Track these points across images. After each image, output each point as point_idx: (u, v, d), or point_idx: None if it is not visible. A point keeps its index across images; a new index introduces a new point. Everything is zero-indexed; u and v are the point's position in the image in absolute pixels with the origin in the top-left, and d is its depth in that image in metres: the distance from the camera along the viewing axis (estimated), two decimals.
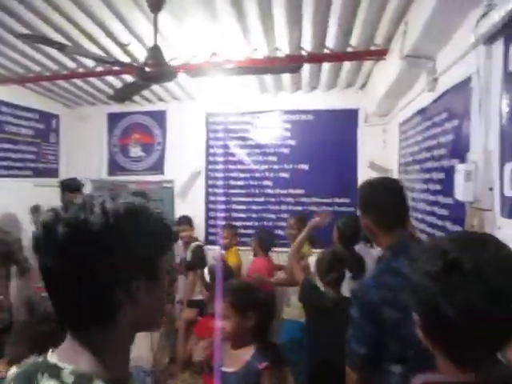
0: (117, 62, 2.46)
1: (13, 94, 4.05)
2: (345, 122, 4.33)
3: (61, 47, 2.32)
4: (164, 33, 3.04)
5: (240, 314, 1.67)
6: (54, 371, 0.69)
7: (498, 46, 1.71)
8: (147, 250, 0.73)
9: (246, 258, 3.90)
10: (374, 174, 4.16)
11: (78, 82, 4.04)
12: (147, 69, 2.09)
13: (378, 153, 4.20)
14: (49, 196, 4.49)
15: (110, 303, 0.70)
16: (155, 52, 2.13)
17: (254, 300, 1.72)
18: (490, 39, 1.77)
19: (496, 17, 1.60)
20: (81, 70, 3.71)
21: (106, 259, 0.68)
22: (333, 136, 4.33)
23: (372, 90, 3.82)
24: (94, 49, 3.30)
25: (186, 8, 2.73)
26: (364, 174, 4.22)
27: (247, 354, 1.64)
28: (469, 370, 0.80)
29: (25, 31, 2.99)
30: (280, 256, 3.91)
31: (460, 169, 1.89)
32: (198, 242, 3.98)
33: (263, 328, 1.68)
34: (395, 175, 3.78)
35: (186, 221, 4.04)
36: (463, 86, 2.09)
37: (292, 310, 3.58)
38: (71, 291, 0.69)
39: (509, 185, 1.60)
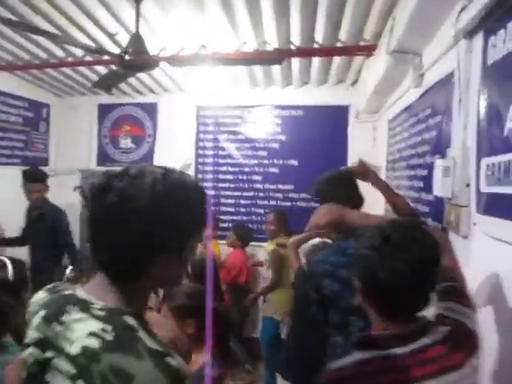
0: (98, 51, 2.44)
1: (2, 81, 4.01)
2: (335, 119, 4.31)
3: (48, 36, 2.30)
4: (152, 24, 3.03)
5: (177, 319, 1.59)
6: (84, 305, 0.76)
7: (478, 40, 1.70)
8: (182, 230, 0.81)
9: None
10: None
11: (67, 70, 4.01)
12: (127, 57, 2.07)
13: (368, 150, 4.18)
14: None
15: (140, 266, 0.79)
16: (136, 40, 2.11)
17: (194, 309, 1.61)
18: (469, 33, 1.75)
19: (473, 10, 1.59)
20: (70, 59, 3.68)
21: (146, 233, 0.76)
22: (323, 132, 4.32)
23: (362, 86, 3.80)
24: (82, 38, 3.28)
25: (176, 6, 2.71)
26: None
27: (200, 358, 1.54)
28: (395, 325, 1.03)
29: (12, 18, 2.96)
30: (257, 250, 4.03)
31: (438, 164, 1.88)
32: None
33: (218, 337, 1.59)
34: (383, 172, 3.77)
35: None
36: (446, 81, 2.08)
37: (268, 306, 3.59)
38: (112, 248, 0.78)
39: (484, 181, 1.58)
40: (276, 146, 4.47)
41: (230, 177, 4.57)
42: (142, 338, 0.72)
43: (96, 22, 3.07)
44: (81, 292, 0.80)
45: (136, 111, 4.75)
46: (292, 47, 3.32)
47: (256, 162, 4.51)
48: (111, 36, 3.23)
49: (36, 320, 0.79)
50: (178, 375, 0.70)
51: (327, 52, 3.35)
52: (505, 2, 1.45)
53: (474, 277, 1.61)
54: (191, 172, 4.63)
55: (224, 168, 4.58)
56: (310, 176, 4.38)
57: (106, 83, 2.77)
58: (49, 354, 0.74)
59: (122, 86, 4.44)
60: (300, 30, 3.05)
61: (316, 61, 3.66)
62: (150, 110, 4.70)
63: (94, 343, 0.70)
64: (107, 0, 2.76)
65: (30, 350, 0.77)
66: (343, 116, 4.29)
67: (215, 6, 2.74)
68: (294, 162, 4.42)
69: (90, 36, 3.26)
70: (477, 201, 1.65)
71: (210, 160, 4.61)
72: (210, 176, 4.60)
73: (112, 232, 0.77)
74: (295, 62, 3.73)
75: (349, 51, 3.30)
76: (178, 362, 0.72)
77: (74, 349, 0.71)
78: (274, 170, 4.47)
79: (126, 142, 4.77)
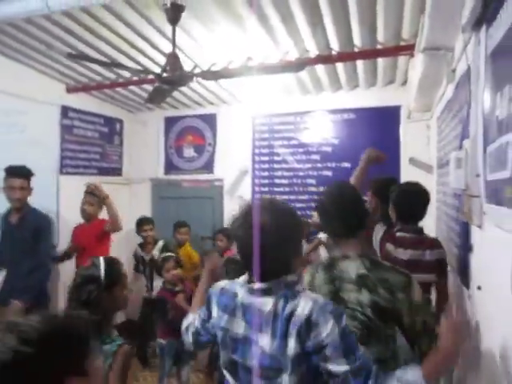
0: (142, 71, 2.78)
1: (81, 101, 4.58)
2: (387, 119, 4.31)
3: (113, 65, 2.72)
4: (199, 41, 3.33)
5: None
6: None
7: (483, 32, 1.72)
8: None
9: None
10: (416, 171, 4.11)
11: (135, 88, 4.46)
12: (165, 74, 2.35)
13: (422, 149, 4.13)
14: (112, 191, 5.01)
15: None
16: (173, 59, 2.39)
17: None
18: (475, 26, 1.78)
19: (471, 4, 1.63)
20: (135, 78, 4.12)
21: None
22: (375, 133, 4.34)
23: (410, 85, 3.79)
24: (142, 58, 3.69)
25: (215, 19, 2.98)
26: (406, 171, 4.19)
27: None
28: None
29: (85, 48, 3.45)
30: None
31: (452, 157, 1.90)
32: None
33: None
34: (434, 171, 3.72)
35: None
36: (466, 75, 2.09)
37: None
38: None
39: (489, 169, 1.61)
40: (329, 149, 4.57)
41: (285, 181, 4.74)
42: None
43: (152, 45, 3.45)
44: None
45: (197, 122, 5.11)
46: (333, 53, 3.44)
47: (310, 165, 4.64)
48: (166, 55, 3.58)
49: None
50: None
51: (367, 55, 3.41)
52: None
53: (486, 268, 1.64)
54: (249, 178, 4.88)
55: (279, 173, 4.77)
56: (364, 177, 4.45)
57: (156, 98, 3.11)
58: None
59: (185, 100, 4.84)
60: (337, 36, 3.16)
61: (360, 64, 3.73)
62: (210, 120, 5.04)
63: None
64: (158, 24, 3.10)
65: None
66: (395, 116, 4.28)
67: (252, 20, 2.96)
68: (347, 165, 4.47)
69: (148, 56, 3.66)
70: (485, 190, 1.67)
71: (265, 166, 4.82)
72: (266, 181, 4.82)
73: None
74: (340, 67, 3.82)
75: (389, 52, 3.34)
76: None
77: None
78: (328, 173, 4.56)
79: (189, 152, 5.15)
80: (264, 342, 1.25)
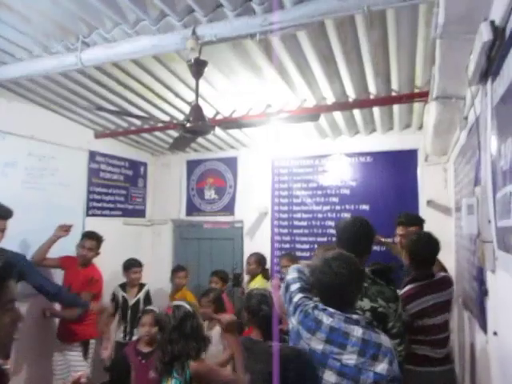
0: (165, 121, 2.97)
1: (108, 146, 4.82)
2: (404, 163, 4.37)
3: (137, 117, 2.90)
4: (219, 90, 3.52)
5: None
6: None
7: (489, 85, 1.81)
8: None
9: None
10: (434, 214, 4.13)
11: (159, 134, 4.68)
12: (188, 124, 2.51)
13: (440, 192, 4.16)
14: (135, 233, 5.16)
15: None
16: (196, 110, 2.56)
17: None
18: (481, 78, 1.87)
19: (476, 58, 1.72)
20: (159, 124, 4.33)
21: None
22: (393, 176, 4.40)
23: (426, 130, 3.87)
24: (167, 107, 3.90)
25: (236, 70, 3.17)
26: (425, 214, 4.19)
27: None
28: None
29: (114, 97, 3.69)
30: None
31: (464, 203, 1.95)
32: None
33: None
34: (453, 214, 3.73)
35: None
36: (476, 123, 2.16)
37: None
38: None
39: (499, 215, 1.65)
40: (347, 191, 4.63)
41: (304, 223, 4.80)
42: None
43: (177, 94, 3.65)
44: None
45: (218, 165, 5.28)
46: (349, 100, 3.57)
47: (328, 208, 4.70)
48: (190, 104, 3.78)
49: None
50: None
51: (382, 102, 3.53)
52: (497, 51, 1.59)
53: (501, 313, 1.65)
54: (268, 219, 4.96)
55: (298, 215, 4.83)
56: (382, 220, 4.50)
57: (178, 145, 3.28)
58: None
59: (207, 144, 5.03)
60: (352, 85, 3.30)
61: (376, 110, 3.85)
62: (231, 163, 5.20)
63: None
64: (183, 76, 3.31)
65: None
66: (412, 159, 4.34)
67: (271, 70, 3.13)
68: (366, 207, 4.52)
69: (173, 105, 3.86)
70: (496, 236, 1.70)
71: (285, 208, 4.90)
72: (285, 223, 4.88)
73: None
74: (357, 113, 3.95)
75: (403, 99, 3.45)
76: None
77: None
78: (346, 215, 4.60)
79: (210, 193, 5.28)
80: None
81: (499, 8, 1.48)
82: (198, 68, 2.51)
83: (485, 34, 1.50)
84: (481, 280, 2.06)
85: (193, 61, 2.46)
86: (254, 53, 2.93)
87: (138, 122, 4.38)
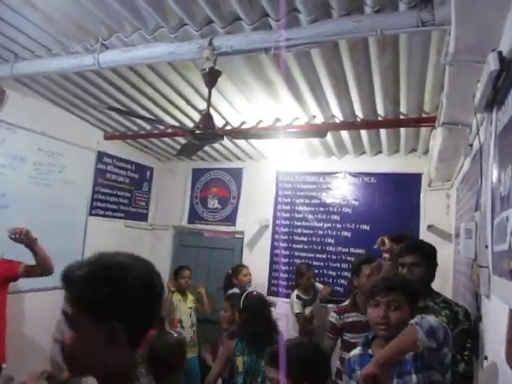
0: (176, 127, 3.03)
1: (116, 148, 4.88)
2: (408, 186, 4.41)
3: (147, 120, 2.97)
4: (231, 101, 3.59)
5: None
6: None
7: (494, 114, 1.85)
8: None
9: None
10: (435, 238, 4.12)
11: (167, 140, 4.74)
12: (198, 131, 2.56)
13: (441, 217, 4.18)
14: (137, 236, 5.19)
15: None
16: (206, 118, 2.61)
17: None
18: (487, 106, 1.91)
19: (482, 88, 1.77)
20: (169, 130, 4.39)
21: None
22: (395, 199, 4.42)
23: (431, 155, 3.91)
24: (178, 113, 3.96)
25: (248, 82, 3.23)
26: (425, 238, 4.20)
27: None
28: None
29: (127, 100, 3.76)
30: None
31: (462, 227, 1.98)
32: None
33: None
34: (453, 239, 3.75)
35: None
36: (480, 151, 2.20)
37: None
38: None
39: (495, 241, 1.68)
40: (349, 210, 4.66)
41: (304, 238, 4.82)
42: None
43: (188, 102, 3.72)
44: None
45: (223, 175, 5.32)
46: (357, 120, 3.63)
47: (329, 225, 4.72)
48: (200, 112, 3.84)
49: None
50: None
51: (390, 124, 3.59)
52: (504, 81, 1.63)
53: (492, 339, 1.67)
54: (269, 232, 4.98)
55: (299, 230, 4.85)
56: None
57: (186, 152, 3.33)
58: None
59: (214, 153, 5.08)
60: (361, 106, 3.36)
61: (383, 132, 3.90)
62: (236, 174, 5.24)
63: None
64: (196, 85, 3.37)
65: None
66: (416, 184, 4.38)
67: (283, 85, 3.19)
68: (366, 227, 4.54)
69: (184, 112, 3.93)
70: (492, 261, 1.73)
71: (286, 222, 4.93)
72: (285, 237, 4.90)
73: None
74: (364, 133, 4.00)
75: (410, 123, 3.50)
76: None
77: None
78: (347, 233, 4.63)
79: (213, 203, 5.32)
80: None
81: (507, 40, 1.53)
82: (211, 77, 2.57)
83: (492, 64, 1.54)
84: (476, 306, 2.07)
85: (207, 70, 2.51)
86: (267, 67, 3.00)
87: (147, 127, 4.44)
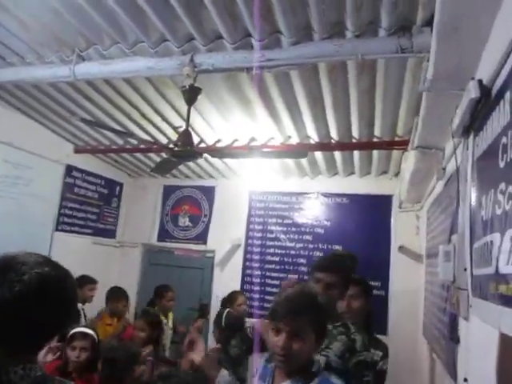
0: (154, 143, 2.97)
1: (86, 162, 4.75)
2: (379, 207, 4.48)
3: (120, 134, 2.92)
4: (208, 119, 3.57)
5: None
6: None
7: (471, 139, 1.91)
8: None
9: None
10: (405, 259, 4.22)
11: (139, 155, 4.66)
12: (176, 148, 2.52)
13: (411, 238, 4.26)
14: (104, 253, 5.03)
15: None
16: (185, 136, 2.58)
17: None
18: (464, 133, 1.97)
19: (460, 114, 1.82)
20: (142, 145, 4.31)
21: None
22: (367, 219, 4.48)
23: (402, 177, 4.00)
24: (152, 129, 3.90)
25: (225, 100, 3.23)
26: (396, 259, 4.29)
27: None
28: None
29: (100, 114, 3.66)
30: None
31: (440, 250, 2.01)
32: None
33: None
34: (424, 261, 3.83)
35: None
36: (456, 174, 2.26)
37: None
38: None
39: (475, 264, 1.70)
40: (321, 231, 4.68)
41: (276, 258, 4.79)
42: None
43: (164, 118, 3.67)
44: None
45: (195, 193, 5.26)
46: (332, 141, 3.68)
47: (301, 245, 4.72)
48: (175, 129, 3.80)
49: None
50: None
51: (364, 146, 3.66)
52: (482, 108, 1.69)
53: (472, 360, 1.68)
54: (241, 252, 4.93)
55: (271, 250, 4.83)
56: None
57: (161, 169, 3.27)
58: None
59: (186, 170, 5.02)
60: (337, 127, 3.41)
61: (357, 153, 3.97)
62: (208, 192, 5.19)
63: None
64: (173, 101, 3.34)
65: None
66: (387, 205, 4.46)
67: (260, 105, 3.20)
68: (338, 247, 4.56)
69: (158, 128, 3.87)
70: (471, 284, 1.76)
71: (258, 241, 4.89)
72: (257, 256, 4.86)
73: None
74: (337, 154, 4.06)
75: (384, 146, 3.58)
76: None
77: None
78: (319, 253, 4.63)
79: (184, 221, 5.23)
80: None
81: (487, 68, 1.58)
82: (191, 94, 2.55)
83: (472, 92, 1.59)
84: (452, 327, 2.09)
85: (187, 87, 2.49)
86: (245, 86, 3.00)
87: (119, 141, 4.35)
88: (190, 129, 3.37)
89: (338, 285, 1.91)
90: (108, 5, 2.28)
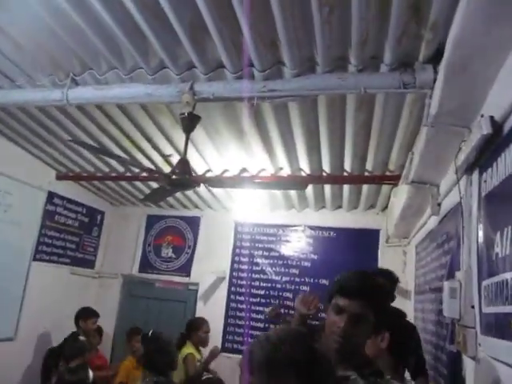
0: (151, 171, 2.89)
1: (67, 189, 4.59)
2: (366, 241, 4.47)
3: (112, 157, 2.84)
4: (200, 148, 3.52)
5: None
6: None
7: (475, 175, 1.92)
8: None
9: None
10: None
11: (124, 183, 4.54)
12: (173, 176, 2.45)
13: (399, 274, 4.19)
14: (82, 283, 4.82)
15: None
16: (183, 164, 2.52)
17: None
18: (468, 170, 1.98)
19: (467, 151, 1.83)
20: (128, 173, 4.21)
21: None
22: (354, 254, 4.45)
23: (391, 212, 4.02)
24: (141, 157, 3.81)
25: (219, 130, 3.20)
26: None
27: None
28: None
29: (88, 140, 3.55)
30: None
31: (446, 286, 1.98)
32: None
33: None
34: (412, 296, 3.79)
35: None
36: (455, 210, 2.27)
37: None
38: None
39: (485, 302, 1.67)
40: (308, 264, 4.62)
41: (261, 292, 4.69)
42: None
43: (154, 146, 3.60)
44: None
45: (180, 223, 5.14)
46: (323, 174, 3.67)
47: (288, 278, 4.64)
48: (165, 157, 3.73)
49: None
50: None
51: (355, 180, 3.66)
52: (490, 145, 1.70)
53: None
54: (225, 284, 4.80)
55: (256, 283, 4.72)
56: None
57: (154, 197, 3.18)
58: None
59: (171, 200, 4.92)
60: (330, 160, 3.41)
61: (346, 187, 3.97)
62: (193, 223, 5.08)
63: None
64: (166, 129, 3.28)
65: None
66: (374, 239, 4.45)
67: (255, 136, 3.18)
68: (325, 282, 4.50)
69: (148, 156, 3.79)
70: (480, 322, 1.72)
71: (243, 274, 4.79)
72: (242, 290, 4.74)
73: None
74: (327, 188, 4.05)
75: (375, 180, 3.59)
76: None
77: None
78: (305, 287, 4.56)
79: (167, 251, 5.09)
80: None
81: (498, 105, 1.59)
82: (190, 122, 2.50)
83: (484, 128, 1.60)
84: (453, 366, 2.04)
85: (186, 114, 2.45)
86: (242, 116, 2.98)
87: (104, 168, 4.23)
88: (176, 156, 3.32)
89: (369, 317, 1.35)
90: (108, 27, 2.23)
